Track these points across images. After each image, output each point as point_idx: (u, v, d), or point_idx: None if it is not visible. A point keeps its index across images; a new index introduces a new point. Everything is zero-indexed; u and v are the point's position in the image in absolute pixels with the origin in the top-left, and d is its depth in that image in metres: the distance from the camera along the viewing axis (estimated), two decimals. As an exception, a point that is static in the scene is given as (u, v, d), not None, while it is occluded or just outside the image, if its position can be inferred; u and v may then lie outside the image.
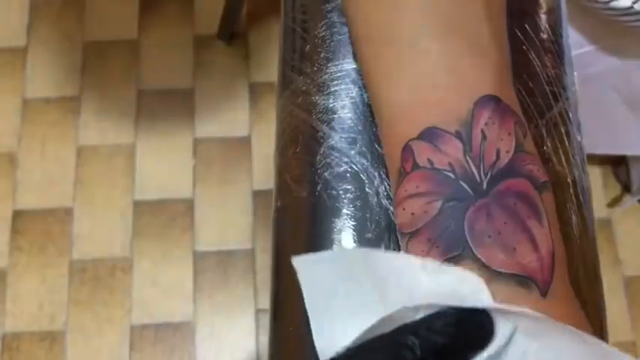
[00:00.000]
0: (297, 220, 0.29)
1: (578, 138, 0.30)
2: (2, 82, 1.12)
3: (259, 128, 1.11)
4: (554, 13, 0.32)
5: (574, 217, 0.28)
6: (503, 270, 0.22)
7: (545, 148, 0.29)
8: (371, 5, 0.26)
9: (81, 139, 1.10)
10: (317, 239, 0.28)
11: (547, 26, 0.31)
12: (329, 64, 0.30)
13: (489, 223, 0.22)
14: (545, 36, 0.31)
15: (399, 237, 0.25)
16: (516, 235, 0.22)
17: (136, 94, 1.13)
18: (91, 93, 1.13)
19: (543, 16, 0.31)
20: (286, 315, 0.28)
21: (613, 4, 0.59)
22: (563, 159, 0.29)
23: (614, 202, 1.08)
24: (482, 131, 0.23)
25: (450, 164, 0.23)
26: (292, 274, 0.26)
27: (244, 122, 1.12)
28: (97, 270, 1.05)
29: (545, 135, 0.29)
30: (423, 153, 0.23)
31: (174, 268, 1.05)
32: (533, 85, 0.30)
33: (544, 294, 0.22)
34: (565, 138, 0.29)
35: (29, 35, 1.15)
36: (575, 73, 0.32)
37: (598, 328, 0.28)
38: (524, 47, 0.30)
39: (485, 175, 0.23)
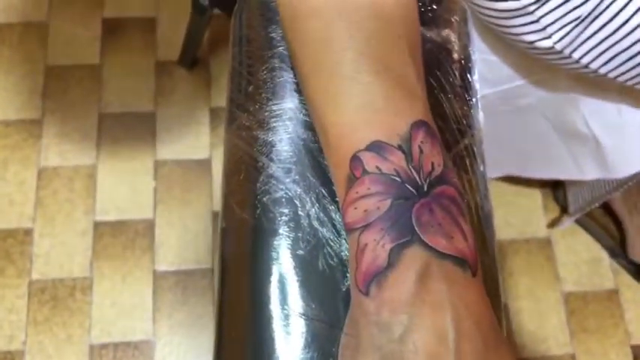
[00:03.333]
0: (240, 239, 0.33)
1: (481, 168, 0.35)
2: (-37, 104, 1.14)
3: (219, 151, 1.15)
4: (465, 63, 0.38)
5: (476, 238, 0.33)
6: (446, 251, 0.27)
7: (452, 177, 0.34)
8: (317, 45, 0.30)
9: (42, 161, 1.12)
10: (257, 257, 0.32)
11: (458, 74, 0.37)
12: (269, 103, 0.35)
13: (432, 217, 0.27)
14: (456, 82, 0.36)
15: (346, 235, 0.29)
16: (452, 227, 0.27)
17: (98, 117, 1.15)
18: (53, 116, 1.15)
19: (455, 65, 0.37)
20: (230, 323, 0.32)
21: (537, 44, 0.65)
22: (467, 187, 0.34)
23: (553, 223, 1.16)
24: (419, 147, 0.28)
25: (395, 170, 0.28)
26: (236, 288, 0.30)
27: (205, 145, 1.16)
28: (56, 290, 1.06)
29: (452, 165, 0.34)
30: (371, 161, 0.28)
31: (134, 288, 1.07)
32: (443, 124, 0.35)
33: (474, 274, 0.28)
34: (469, 169, 0.34)
35: (-9, 59, 1.17)
36: (481, 113, 0.37)
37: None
38: (435, 91, 0.35)
39: (425, 180, 0.28)
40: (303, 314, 0.31)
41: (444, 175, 0.28)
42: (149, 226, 1.10)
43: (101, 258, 1.08)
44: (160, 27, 1.22)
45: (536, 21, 0.60)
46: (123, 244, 1.09)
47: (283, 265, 0.32)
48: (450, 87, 0.36)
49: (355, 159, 0.28)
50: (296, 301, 0.32)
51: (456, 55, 0.37)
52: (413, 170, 0.28)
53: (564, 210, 1.15)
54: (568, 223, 1.13)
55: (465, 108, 0.36)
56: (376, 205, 0.27)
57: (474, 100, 0.37)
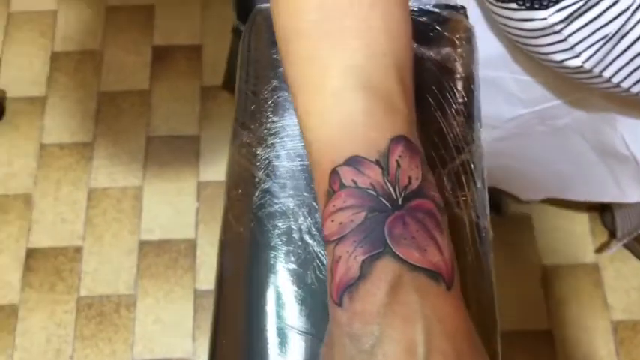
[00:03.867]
0: (237, 252, 0.34)
1: (479, 185, 0.35)
2: (22, 128, 1.21)
3: (260, 173, 1.17)
4: (466, 81, 0.38)
5: (469, 253, 0.33)
6: (418, 264, 0.27)
7: (446, 193, 0.34)
8: (304, 64, 0.32)
9: (92, 182, 1.18)
10: (251, 269, 0.33)
11: (457, 91, 0.37)
12: (268, 121, 0.36)
13: (405, 230, 0.27)
14: (455, 99, 0.37)
15: (325, 247, 0.30)
16: (426, 240, 0.28)
17: (146, 140, 1.20)
18: (104, 139, 1.21)
19: (455, 83, 0.37)
20: (224, 335, 0.33)
21: (566, 63, 0.64)
22: (462, 202, 0.34)
23: (601, 248, 1.11)
24: (397, 161, 0.28)
25: (371, 184, 0.28)
26: (232, 299, 0.31)
27: (246, 167, 1.18)
28: (102, 306, 1.10)
29: (446, 182, 0.34)
30: (348, 176, 0.29)
31: (176, 306, 1.10)
32: (439, 140, 0.35)
33: (449, 287, 0.27)
34: (465, 185, 0.34)
35: (49, 85, 1.25)
36: (482, 130, 0.37)
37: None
38: (432, 108, 0.36)
39: (400, 194, 0.28)
40: (294, 327, 0.32)
41: (422, 189, 0.29)
42: (191, 245, 1.13)
43: (145, 276, 1.12)
44: (205, 53, 1.27)
45: (564, 40, 0.59)
46: (166, 263, 1.12)
47: (277, 277, 0.33)
48: (447, 104, 0.36)
49: (334, 174, 0.29)
50: (288, 314, 0.32)
51: (456, 74, 0.37)
52: (389, 184, 0.28)
53: (612, 234, 1.11)
54: (616, 247, 1.08)
55: (464, 125, 0.36)
56: (350, 218, 0.28)
57: (474, 117, 0.38)
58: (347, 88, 0.30)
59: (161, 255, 1.13)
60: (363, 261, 0.27)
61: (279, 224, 0.33)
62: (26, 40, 1.28)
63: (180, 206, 1.16)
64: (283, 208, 0.33)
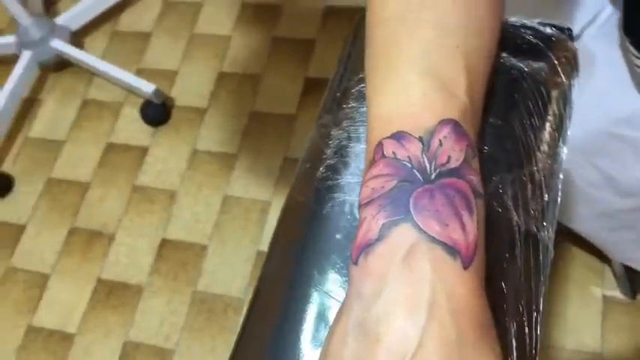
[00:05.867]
0: (294, 219, 0.36)
1: (546, 198, 0.34)
2: (182, 132, 1.35)
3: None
4: (553, 96, 0.37)
5: (518, 259, 0.32)
6: (436, 236, 0.27)
7: (504, 196, 0.33)
8: (379, 48, 0.34)
9: (228, 190, 1.27)
10: (305, 236, 0.35)
11: (541, 104, 0.36)
12: (348, 107, 0.38)
13: (431, 202, 0.28)
14: (535, 110, 0.36)
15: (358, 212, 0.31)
16: (450, 217, 0.28)
17: (282, 160, 1.28)
18: (247, 153, 1.31)
19: (539, 95, 0.37)
20: (266, 296, 0.35)
21: None
22: (520, 209, 0.33)
23: None
24: (440, 140, 0.29)
25: (409, 157, 0.29)
26: (279, 261, 0.33)
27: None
28: (214, 305, 1.17)
29: (508, 185, 0.33)
30: (390, 147, 0.30)
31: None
32: (510, 145, 0.35)
33: (466, 267, 0.27)
34: (529, 193, 0.34)
35: (211, 99, 1.38)
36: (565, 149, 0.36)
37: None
38: (508, 112, 0.36)
39: (435, 170, 0.29)
40: (330, 294, 0.33)
41: (460, 169, 0.29)
42: (304, 265, 1.17)
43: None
44: (353, 88, 1.33)
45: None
46: (278, 276, 1.17)
47: (324, 246, 0.34)
48: (526, 113, 0.36)
49: (379, 145, 0.30)
50: (328, 281, 0.34)
51: (551, 90, 0.37)
52: (426, 160, 0.29)
53: None
54: None
55: (541, 137, 0.35)
56: (382, 185, 0.29)
57: (560, 135, 0.37)
58: (412, 72, 0.31)
59: (275, 268, 1.18)
60: (383, 224, 0.28)
61: (335, 196, 0.35)
62: (201, 58, 1.44)
63: (301, 226, 1.21)
64: (342, 183, 0.35)
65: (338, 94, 0.39)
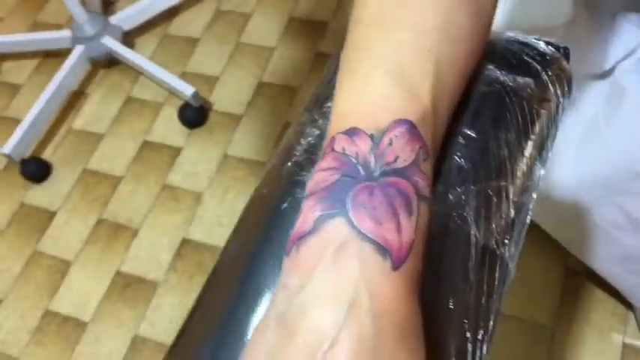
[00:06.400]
0: (256, 209, 0.36)
1: (512, 215, 0.32)
2: (215, 136, 1.38)
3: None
4: (535, 114, 0.36)
5: (471, 273, 0.31)
6: (368, 234, 0.26)
7: (467, 208, 0.32)
8: (351, 50, 0.33)
9: (254, 196, 1.28)
10: (263, 225, 0.35)
11: (521, 119, 0.35)
12: (325, 106, 0.38)
13: (369, 199, 0.27)
14: (513, 125, 0.35)
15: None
16: (386, 215, 0.27)
17: (310, 172, 1.28)
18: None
19: (521, 111, 0.35)
20: (222, 278, 0.35)
21: None
22: (481, 223, 0.32)
23: None
24: (390, 139, 0.29)
25: (356, 153, 0.29)
26: (241, 244, 0.33)
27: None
28: (225, 309, 1.17)
29: (471, 197, 0.32)
30: (341, 142, 0.29)
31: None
32: (479, 158, 0.34)
33: (395, 268, 0.26)
34: (493, 208, 0.32)
35: (248, 107, 1.40)
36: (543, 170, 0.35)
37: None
38: (484, 123, 0.34)
39: (380, 168, 0.28)
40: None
41: (406, 170, 0.28)
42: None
43: (269, 294, 1.17)
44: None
45: None
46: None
47: (283, 240, 0.34)
48: (503, 127, 0.34)
49: (332, 140, 0.30)
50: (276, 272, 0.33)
51: (525, 103, 0.35)
52: (372, 157, 0.28)
53: None
54: None
55: (516, 153, 0.34)
56: (325, 178, 0.28)
57: (540, 156, 0.35)
58: (378, 70, 0.31)
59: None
60: (319, 217, 0.27)
61: (297, 192, 0.35)
62: (243, 66, 1.47)
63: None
64: (306, 180, 0.35)
65: (321, 94, 0.39)
